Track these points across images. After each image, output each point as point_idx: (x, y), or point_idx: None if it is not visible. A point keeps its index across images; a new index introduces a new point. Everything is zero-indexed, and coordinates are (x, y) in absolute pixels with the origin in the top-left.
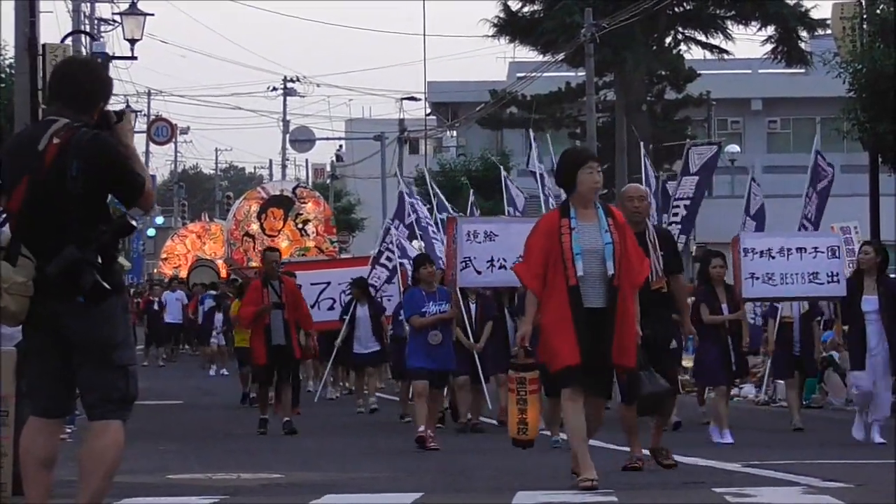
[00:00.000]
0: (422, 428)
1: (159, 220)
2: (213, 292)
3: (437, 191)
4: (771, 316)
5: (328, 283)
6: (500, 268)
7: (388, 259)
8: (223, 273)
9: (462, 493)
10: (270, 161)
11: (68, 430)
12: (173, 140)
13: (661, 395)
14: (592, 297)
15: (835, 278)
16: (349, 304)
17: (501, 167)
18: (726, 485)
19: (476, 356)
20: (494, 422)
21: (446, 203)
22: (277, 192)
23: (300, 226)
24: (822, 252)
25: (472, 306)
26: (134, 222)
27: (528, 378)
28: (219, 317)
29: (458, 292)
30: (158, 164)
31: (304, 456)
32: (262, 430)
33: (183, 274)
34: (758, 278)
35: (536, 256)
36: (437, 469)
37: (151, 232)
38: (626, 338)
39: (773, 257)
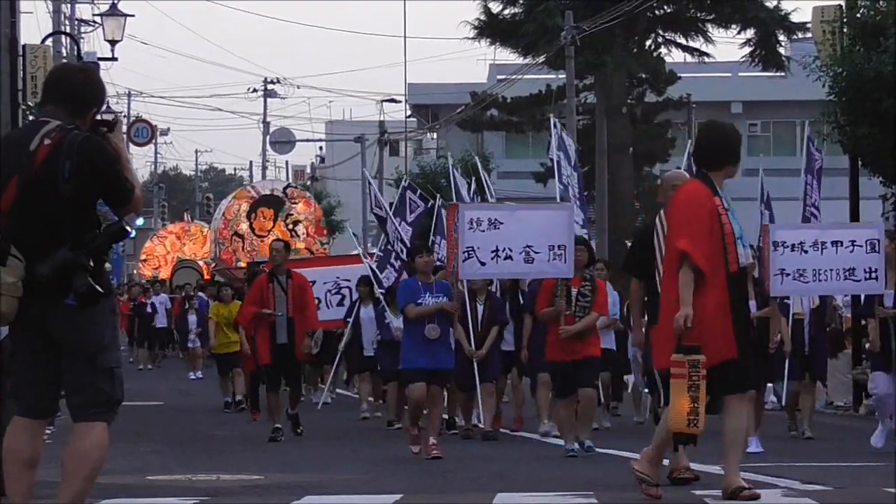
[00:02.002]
0: (415, 431)
1: (139, 221)
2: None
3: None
4: (783, 314)
5: (313, 283)
6: (505, 258)
7: (396, 258)
8: (206, 275)
9: (442, 494)
10: (251, 163)
11: (48, 431)
12: (153, 141)
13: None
14: None
15: (873, 274)
16: (353, 305)
17: (479, 164)
18: (706, 487)
19: (475, 364)
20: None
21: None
22: (268, 192)
23: (290, 226)
24: (861, 246)
25: (480, 308)
26: (129, 228)
27: (700, 361)
28: (192, 318)
29: (466, 291)
30: (138, 165)
31: (285, 458)
32: (273, 435)
33: (163, 275)
34: (788, 275)
35: (704, 235)
36: (417, 472)
37: (130, 229)
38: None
39: (806, 251)
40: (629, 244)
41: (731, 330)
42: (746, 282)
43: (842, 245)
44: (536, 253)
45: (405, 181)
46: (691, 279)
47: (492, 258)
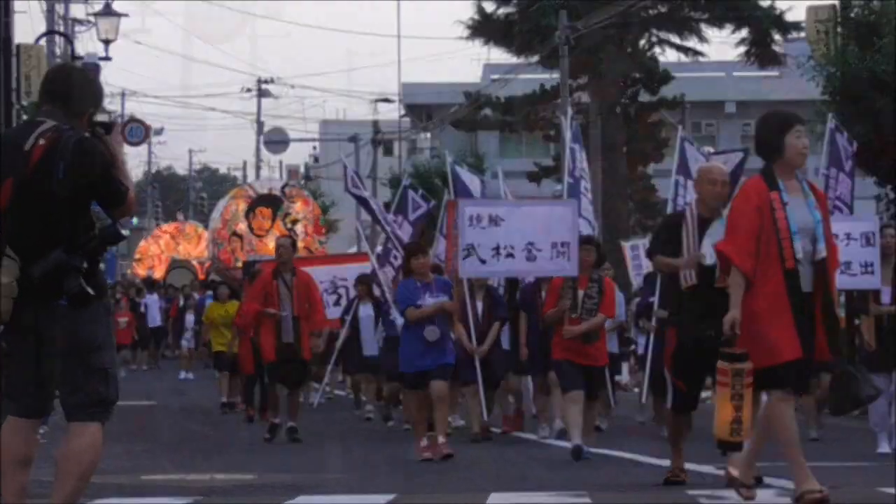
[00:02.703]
0: (424, 442)
1: (133, 220)
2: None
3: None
4: None
5: None
6: (507, 256)
7: (395, 257)
8: (201, 274)
9: (436, 494)
10: (245, 162)
11: (41, 431)
12: (147, 141)
13: (874, 397)
14: (804, 282)
15: (869, 268)
16: (350, 303)
17: (485, 159)
18: (700, 487)
19: (476, 360)
20: (497, 430)
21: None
22: (266, 191)
23: (289, 226)
24: (856, 239)
25: (479, 305)
26: (125, 231)
27: (745, 370)
28: (189, 318)
29: (466, 288)
30: (132, 164)
31: (279, 458)
32: (269, 436)
33: (157, 275)
34: None
35: (749, 233)
36: (411, 472)
37: (125, 232)
38: (831, 328)
39: None
40: (652, 236)
41: (792, 329)
42: (821, 275)
43: (836, 238)
44: (539, 251)
45: (406, 181)
46: (740, 281)
47: (493, 256)
